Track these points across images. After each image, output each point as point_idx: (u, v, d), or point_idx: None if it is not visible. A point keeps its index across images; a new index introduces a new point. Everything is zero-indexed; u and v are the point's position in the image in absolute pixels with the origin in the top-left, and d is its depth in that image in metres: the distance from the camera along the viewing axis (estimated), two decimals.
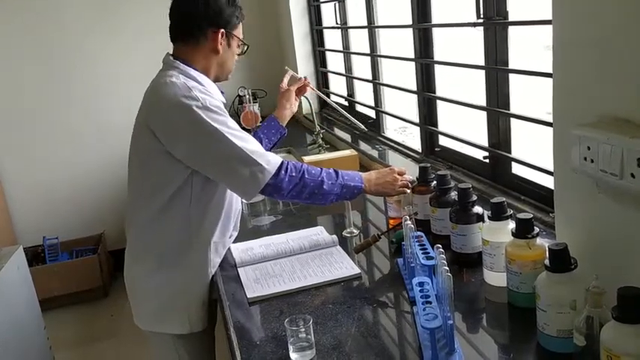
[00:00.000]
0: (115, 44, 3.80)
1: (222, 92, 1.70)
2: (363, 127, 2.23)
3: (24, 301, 2.38)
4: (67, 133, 3.91)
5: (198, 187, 1.59)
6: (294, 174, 1.54)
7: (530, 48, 1.91)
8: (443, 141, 2.25)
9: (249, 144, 1.53)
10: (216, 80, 1.71)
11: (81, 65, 3.83)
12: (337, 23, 3.25)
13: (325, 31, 3.63)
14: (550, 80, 1.23)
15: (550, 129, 1.26)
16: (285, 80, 2.09)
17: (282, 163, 1.54)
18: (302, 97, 3.27)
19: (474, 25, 1.76)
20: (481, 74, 1.85)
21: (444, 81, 2.27)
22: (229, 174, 1.54)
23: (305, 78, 2.10)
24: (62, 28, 3.75)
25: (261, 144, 1.79)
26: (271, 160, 1.53)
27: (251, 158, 1.50)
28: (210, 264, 1.68)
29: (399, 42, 2.79)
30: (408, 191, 1.71)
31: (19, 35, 3.68)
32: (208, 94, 1.56)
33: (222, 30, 1.63)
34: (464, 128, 2.22)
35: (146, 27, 3.24)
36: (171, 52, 1.69)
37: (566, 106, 1.19)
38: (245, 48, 1.74)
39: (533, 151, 1.82)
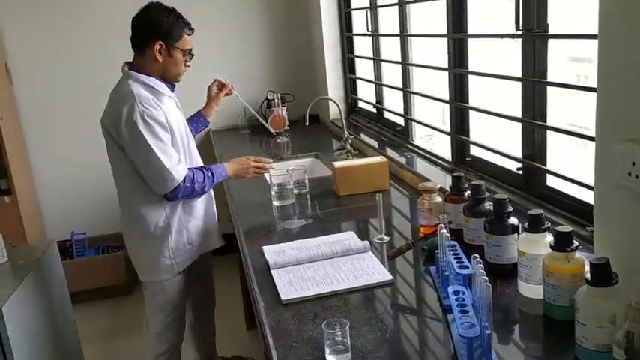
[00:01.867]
0: None
1: (172, 86, 2.17)
2: (273, 131, 2.57)
3: (57, 294, 2.43)
4: (100, 134, 3.96)
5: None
6: (188, 184, 2.06)
7: (555, 59, 1.90)
8: (474, 151, 2.25)
9: (166, 156, 2.01)
10: (165, 81, 2.13)
11: (113, 68, 3.89)
12: (368, 30, 3.26)
13: (355, 36, 3.65)
14: (573, 93, 1.23)
15: (575, 140, 1.26)
16: (214, 87, 2.52)
17: (184, 177, 2.04)
18: (330, 102, 3.41)
19: (513, 36, 1.76)
20: (514, 83, 1.85)
21: (475, 87, 2.26)
22: (148, 174, 2.05)
23: (231, 85, 2.52)
24: (95, 33, 3.82)
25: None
26: (176, 176, 2.02)
27: (165, 168, 2.00)
28: (184, 223, 2.21)
29: (428, 46, 2.80)
30: (264, 171, 2.32)
31: (59, 37, 3.77)
32: (152, 106, 2.01)
33: (161, 42, 2.03)
34: (494, 136, 2.22)
35: None
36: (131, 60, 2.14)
37: (609, 121, 1.20)
38: (189, 58, 2.13)
39: (561, 162, 1.82)
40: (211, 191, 2.33)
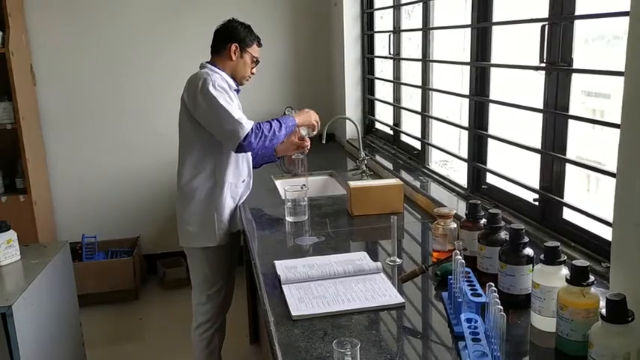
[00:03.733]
0: (168, 57, 3.93)
1: (237, 86, 2.50)
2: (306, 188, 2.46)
3: (65, 296, 2.44)
4: (118, 140, 4.02)
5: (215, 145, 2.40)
6: (258, 131, 2.31)
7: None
8: (490, 179, 2.25)
9: (234, 111, 2.30)
10: (233, 79, 2.48)
11: (135, 74, 3.95)
12: (390, 53, 3.29)
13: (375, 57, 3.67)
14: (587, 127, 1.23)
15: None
16: (296, 137, 2.65)
17: (252, 127, 2.30)
18: (347, 121, 3.45)
19: (537, 68, 1.77)
20: (534, 113, 1.86)
21: (495, 114, 2.26)
22: (221, 130, 2.32)
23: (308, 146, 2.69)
24: (119, 38, 3.88)
25: (255, 159, 2.69)
26: (245, 125, 2.29)
27: (234, 120, 2.28)
28: (229, 198, 2.48)
29: (449, 70, 2.81)
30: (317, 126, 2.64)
31: (83, 41, 3.83)
32: (221, 80, 2.37)
33: (236, 44, 2.44)
34: (510, 164, 2.21)
35: (194, 45, 3.29)
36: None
37: (632, 159, 1.19)
38: (255, 64, 2.53)
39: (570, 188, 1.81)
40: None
